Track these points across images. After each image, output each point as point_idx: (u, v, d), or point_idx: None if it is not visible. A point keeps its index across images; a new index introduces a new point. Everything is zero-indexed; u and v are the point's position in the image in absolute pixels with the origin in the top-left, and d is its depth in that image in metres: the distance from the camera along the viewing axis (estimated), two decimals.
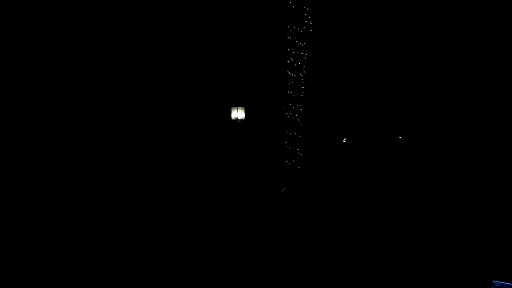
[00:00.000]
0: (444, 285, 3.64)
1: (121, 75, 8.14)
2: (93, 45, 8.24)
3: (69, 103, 8.18)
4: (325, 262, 4.22)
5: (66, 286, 3.69)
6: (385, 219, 6.37)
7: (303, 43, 7.44)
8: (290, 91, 7.44)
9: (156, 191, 7.85)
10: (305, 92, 7.58)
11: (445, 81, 8.04)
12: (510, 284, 2.88)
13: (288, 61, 7.43)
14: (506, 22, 7.79)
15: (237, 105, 8.08)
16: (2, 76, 7.96)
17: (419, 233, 5.41)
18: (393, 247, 4.78)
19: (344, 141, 8.35)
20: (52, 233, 5.41)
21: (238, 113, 8.07)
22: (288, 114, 7.38)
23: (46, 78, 8.09)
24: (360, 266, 4.10)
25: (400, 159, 8.02)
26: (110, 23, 8.15)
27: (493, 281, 2.96)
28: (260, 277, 3.83)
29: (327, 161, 8.37)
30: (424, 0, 8.16)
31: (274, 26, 8.31)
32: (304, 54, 7.46)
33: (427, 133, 8.06)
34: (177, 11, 7.67)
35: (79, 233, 5.42)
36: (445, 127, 8.00)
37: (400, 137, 8.16)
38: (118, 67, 8.16)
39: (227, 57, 8.52)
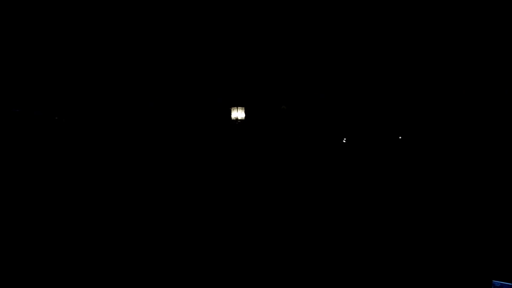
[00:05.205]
0: (444, 285, 3.64)
1: (121, 75, 8.14)
2: (92, 45, 8.24)
3: (69, 103, 8.18)
4: (325, 262, 4.23)
5: (66, 286, 3.69)
6: (385, 219, 6.38)
7: (303, 43, 7.44)
8: (290, 91, 7.45)
9: (156, 191, 7.85)
10: (305, 92, 7.58)
11: (445, 81, 8.04)
12: (510, 284, 2.88)
13: (288, 61, 7.44)
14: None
15: (237, 105, 8.08)
16: (2, 76, 7.96)
17: (419, 233, 5.41)
18: (393, 247, 4.79)
19: (344, 141, 8.36)
20: (52, 233, 5.41)
21: (238, 113, 8.07)
22: (288, 114, 7.38)
23: (46, 78, 8.09)
24: (359, 266, 4.11)
25: (400, 159, 8.03)
26: (109, 23, 8.15)
27: (493, 281, 2.96)
28: (260, 277, 3.84)
29: (327, 161, 8.36)
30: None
31: (274, 26, 8.30)
32: (304, 53, 7.46)
33: (427, 133, 8.07)
34: (176, 10, 7.67)
35: (79, 233, 5.43)
36: (444, 127, 8.00)
37: (400, 137, 8.16)
38: (118, 67, 8.16)
39: (227, 57, 8.52)
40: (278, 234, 5.43)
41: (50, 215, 6.57)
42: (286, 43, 7.88)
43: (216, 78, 8.37)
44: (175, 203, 7.34)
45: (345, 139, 8.37)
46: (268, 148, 8.41)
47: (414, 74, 8.24)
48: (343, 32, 8.47)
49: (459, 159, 7.69)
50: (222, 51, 8.50)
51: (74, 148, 8.24)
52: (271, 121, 8.51)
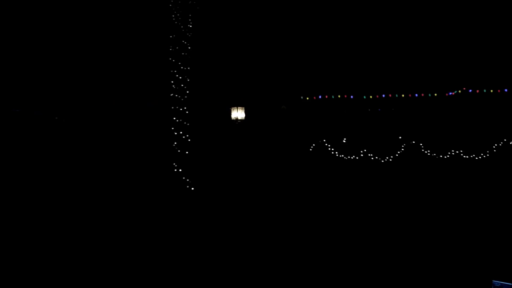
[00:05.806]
0: (444, 285, 3.64)
1: (121, 75, 8.13)
2: (92, 45, 8.23)
3: (69, 103, 8.17)
4: (325, 262, 4.23)
5: (66, 286, 3.69)
6: (385, 219, 6.37)
7: (302, 42, 7.44)
8: (290, 91, 7.45)
9: (156, 191, 7.84)
10: (305, 91, 7.57)
11: (443, 81, 8.04)
12: (510, 284, 2.88)
13: (287, 60, 7.43)
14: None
15: (237, 105, 8.07)
16: (2, 76, 7.95)
17: (420, 233, 5.41)
18: (394, 247, 4.78)
19: (344, 141, 8.35)
20: (52, 232, 5.40)
21: (238, 113, 8.06)
22: (289, 114, 7.38)
23: (46, 78, 8.07)
24: (360, 266, 4.11)
25: (400, 159, 8.02)
26: (109, 23, 8.14)
27: (493, 281, 2.96)
28: (260, 277, 3.83)
29: (327, 161, 8.36)
30: None
31: (273, 26, 8.30)
32: (303, 52, 7.46)
33: (426, 133, 8.06)
34: (176, 11, 7.68)
35: (78, 233, 5.42)
36: (444, 127, 8.00)
37: (400, 137, 8.15)
38: (118, 67, 8.15)
39: (227, 57, 8.51)
40: (278, 232, 5.42)
41: (49, 214, 6.57)
42: (286, 44, 7.88)
43: (216, 78, 8.37)
44: (175, 203, 7.33)
45: (345, 139, 8.36)
46: (268, 148, 8.40)
47: (414, 74, 8.22)
48: (343, 32, 8.45)
49: (459, 159, 7.68)
50: (222, 52, 8.50)
51: (74, 148, 8.21)
52: (271, 121, 8.51)
